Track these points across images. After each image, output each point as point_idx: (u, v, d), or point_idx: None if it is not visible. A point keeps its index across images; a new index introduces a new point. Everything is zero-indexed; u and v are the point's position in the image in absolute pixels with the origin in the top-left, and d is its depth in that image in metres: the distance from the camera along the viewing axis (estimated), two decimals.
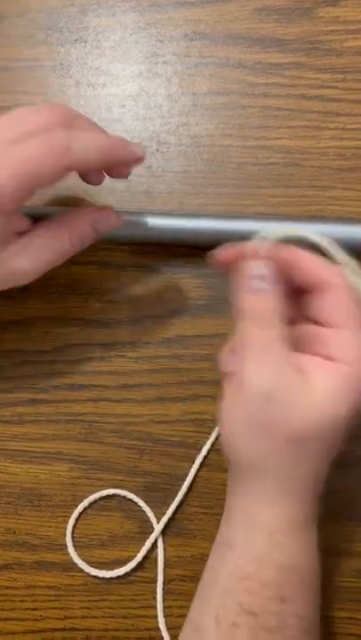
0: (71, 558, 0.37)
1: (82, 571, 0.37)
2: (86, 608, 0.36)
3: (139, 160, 0.33)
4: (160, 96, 0.41)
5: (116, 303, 0.39)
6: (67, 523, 0.37)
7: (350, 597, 0.36)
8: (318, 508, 0.30)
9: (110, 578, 0.36)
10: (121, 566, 0.36)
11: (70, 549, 0.37)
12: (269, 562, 0.28)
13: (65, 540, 0.37)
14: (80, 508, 0.37)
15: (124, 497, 0.37)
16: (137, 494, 0.37)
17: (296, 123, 0.40)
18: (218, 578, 0.29)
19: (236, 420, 0.28)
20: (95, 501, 0.37)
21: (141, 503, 0.37)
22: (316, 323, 0.29)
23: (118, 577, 0.36)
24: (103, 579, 0.36)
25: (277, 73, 0.40)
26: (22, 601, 0.37)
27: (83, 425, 0.38)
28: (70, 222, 0.33)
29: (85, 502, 0.37)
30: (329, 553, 0.36)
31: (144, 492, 0.37)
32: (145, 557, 0.37)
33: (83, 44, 0.41)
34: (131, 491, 0.37)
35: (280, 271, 0.29)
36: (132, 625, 0.36)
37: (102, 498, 0.37)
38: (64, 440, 0.38)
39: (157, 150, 0.40)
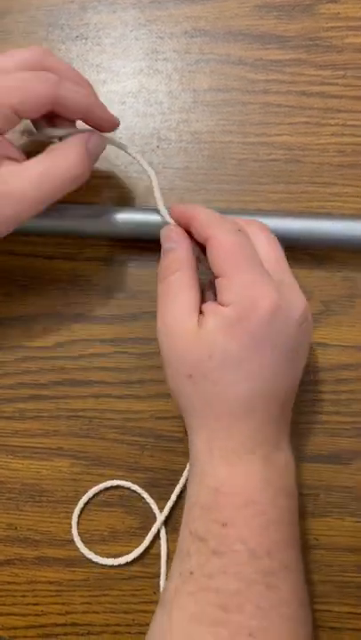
0: (77, 548, 0.37)
1: (83, 566, 0.37)
2: (87, 603, 0.36)
3: (114, 124, 0.35)
4: (160, 93, 0.41)
5: (118, 299, 0.39)
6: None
7: (353, 593, 0.36)
8: (260, 443, 0.30)
9: (118, 565, 0.36)
10: (125, 564, 0.36)
11: (76, 538, 0.37)
12: (206, 487, 0.30)
13: (67, 536, 0.37)
14: (85, 498, 0.37)
15: (128, 488, 0.37)
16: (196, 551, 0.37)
17: (297, 119, 0.40)
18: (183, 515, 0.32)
19: (162, 361, 0.32)
20: (97, 496, 0.37)
21: (145, 494, 0.37)
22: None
23: (120, 567, 0.36)
24: (105, 573, 0.36)
25: (278, 70, 0.40)
26: (24, 596, 0.37)
27: (84, 421, 0.38)
28: (68, 144, 0.33)
29: (90, 493, 0.37)
30: (331, 548, 0.36)
31: (145, 488, 0.37)
32: (146, 553, 0.37)
33: (83, 40, 0.41)
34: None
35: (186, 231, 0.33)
36: (133, 620, 0.36)
37: (104, 492, 0.37)
38: (65, 436, 0.38)
39: (158, 147, 0.40)
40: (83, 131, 0.34)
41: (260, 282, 0.30)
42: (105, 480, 0.37)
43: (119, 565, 0.36)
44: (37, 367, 0.38)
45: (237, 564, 0.28)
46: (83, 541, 0.37)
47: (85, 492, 0.37)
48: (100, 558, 0.36)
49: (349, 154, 0.39)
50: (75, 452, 0.38)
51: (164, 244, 0.33)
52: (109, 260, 0.39)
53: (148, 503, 0.37)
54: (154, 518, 0.37)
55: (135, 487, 0.37)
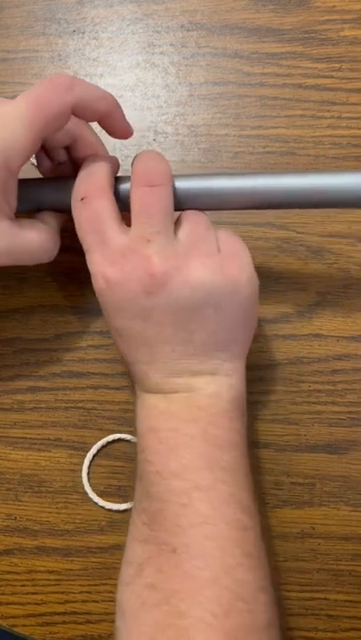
0: (87, 494, 0.38)
1: (82, 555, 0.37)
2: (86, 592, 0.37)
3: (128, 133, 0.33)
4: (157, 86, 0.41)
5: None
6: (67, 508, 0.38)
7: (349, 581, 0.36)
8: (155, 372, 0.32)
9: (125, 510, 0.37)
10: (121, 550, 0.37)
11: (87, 489, 0.38)
12: (137, 428, 0.33)
13: (66, 526, 0.37)
14: (94, 450, 0.38)
15: (128, 441, 0.38)
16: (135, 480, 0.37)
17: (292, 112, 0.40)
18: None
19: None
20: (96, 487, 0.38)
21: None
22: None
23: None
24: (104, 562, 0.37)
25: (274, 63, 0.41)
26: (23, 586, 0.37)
27: (82, 412, 0.38)
28: (51, 227, 0.35)
29: (99, 444, 0.38)
30: (327, 537, 0.36)
31: None
32: None
33: (80, 35, 0.42)
34: (129, 477, 0.37)
35: None
36: None
37: (103, 482, 0.38)
38: (64, 427, 0.38)
39: (155, 140, 0.40)
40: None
41: (96, 261, 0.31)
42: (103, 470, 0.38)
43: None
44: (35, 359, 0.39)
45: (151, 485, 0.30)
46: (81, 532, 0.37)
47: (85, 482, 0.38)
48: (112, 504, 0.37)
49: (345, 146, 0.39)
50: (73, 443, 0.38)
51: None
52: None
53: None
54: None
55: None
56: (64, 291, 0.39)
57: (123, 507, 0.37)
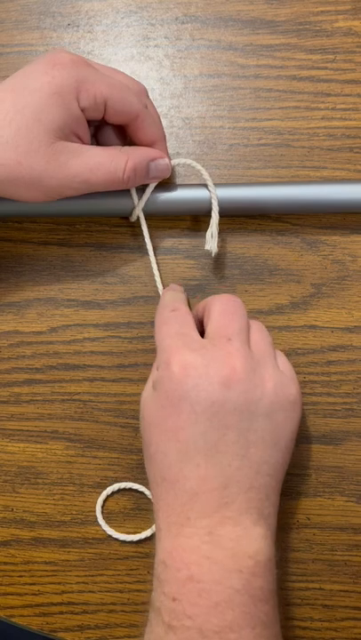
0: (102, 529, 0.37)
1: (78, 546, 0.37)
2: (83, 583, 0.37)
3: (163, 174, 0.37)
4: (152, 79, 0.41)
5: (110, 284, 0.39)
6: (64, 500, 0.38)
7: (344, 571, 0.36)
8: (199, 514, 0.29)
9: (137, 541, 0.37)
10: (118, 541, 0.37)
11: (101, 522, 0.37)
12: (157, 558, 0.30)
13: (62, 517, 0.38)
14: (108, 490, 0.38)
15: (137, 490, 0.38)
16: (131, 471, 0.38)
17: (287, 104, 0.40)
18: None
19: None
20: (92, 479, 0.38)
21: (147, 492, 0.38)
22: None
23: (133, 544, 0.37)
24: (100, 553, 0.37)
25: (268, 54, 0.41)
26: (21, 576, 0.37)
27: (78, 404, 0.39)
28: (131, 152, 0.35)
29: (109, 489, 0.38)
30: (322, 528, 0.37)
31: (138, 470, 0.38)
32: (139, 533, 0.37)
33: (75, 28, 0.42)
34: (125, 468, 0.38)
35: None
36: (128, 599, 0.37)
37: (102, 478, 0.38)
38: (60, 419, 0.38)
39: None
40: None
41: (176, 347, 0.31)
42: (99, 462, 0.38)
43: (138, 541, 0.37)
44: (32, 352, 0.39)
45: (186, 638, 0.28)
46: (78, 522, 0.38)
47: (80, 474, 0.38)
48: (120, 534, 0.37)
49: (339, 137, 0.39)
50: (69, 435, 0.38)
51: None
52: (102, 246, 0.39)
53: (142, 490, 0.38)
54: (146, 499, 0.37)
55: (143, 489, 0.37)
56: (60, 284, 0.39)
57: (132, 537, 0.37)
